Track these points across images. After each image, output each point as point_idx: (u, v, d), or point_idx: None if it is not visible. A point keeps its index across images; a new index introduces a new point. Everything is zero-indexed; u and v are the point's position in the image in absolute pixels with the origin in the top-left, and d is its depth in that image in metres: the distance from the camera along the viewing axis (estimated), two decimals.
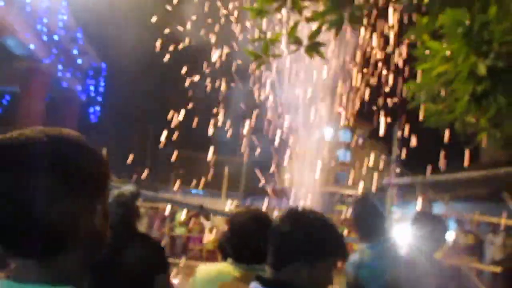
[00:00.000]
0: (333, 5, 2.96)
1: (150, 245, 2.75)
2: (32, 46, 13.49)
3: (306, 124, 12.91)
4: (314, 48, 2.98)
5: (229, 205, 14.58)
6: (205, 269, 2.18)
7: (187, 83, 13.05)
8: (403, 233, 2.84)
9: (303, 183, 11.90)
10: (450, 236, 10.49)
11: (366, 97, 11.10)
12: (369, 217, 2.78)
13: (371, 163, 16.89)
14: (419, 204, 9.36)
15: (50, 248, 0.80)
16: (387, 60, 7.69)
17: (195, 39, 11.33)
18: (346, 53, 10.16)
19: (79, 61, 17.68)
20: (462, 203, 11.44)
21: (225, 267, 2.07)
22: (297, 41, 2.96)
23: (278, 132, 13.10)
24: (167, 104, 18.13)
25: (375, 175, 13.11)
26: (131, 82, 17.46)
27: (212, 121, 14.84)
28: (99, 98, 20.01)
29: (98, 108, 19.98)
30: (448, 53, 3.45)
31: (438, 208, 10.53)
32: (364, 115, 13.52)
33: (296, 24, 2.98)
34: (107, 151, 7.78)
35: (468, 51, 3.34)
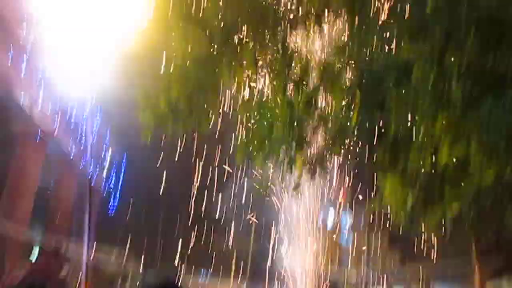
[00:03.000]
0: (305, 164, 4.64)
1: None
2: (72, 153, 15.06)
3: (308, 213, 14.25)
4: (296, 191, 4.60)
5: None
6: None
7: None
8: None
9: (305, 268, 12.97)
10: None
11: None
12: None
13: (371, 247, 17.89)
14: None
15: None
16: None
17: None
18: None
19: (107, 159, 19.40)
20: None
21: None
22: (285, 187, 4.64)
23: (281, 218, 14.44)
24: (180, 193, 19.65)
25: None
26: (146, 173, 18.91)
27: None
28: (118, 191, 21.36)
29: (116, 201, 21.32)
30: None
31: None
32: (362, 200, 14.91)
33: (283, 177, 4.65)
34: (125, 241, 9.05)
35: (402, 188, 5.01)
